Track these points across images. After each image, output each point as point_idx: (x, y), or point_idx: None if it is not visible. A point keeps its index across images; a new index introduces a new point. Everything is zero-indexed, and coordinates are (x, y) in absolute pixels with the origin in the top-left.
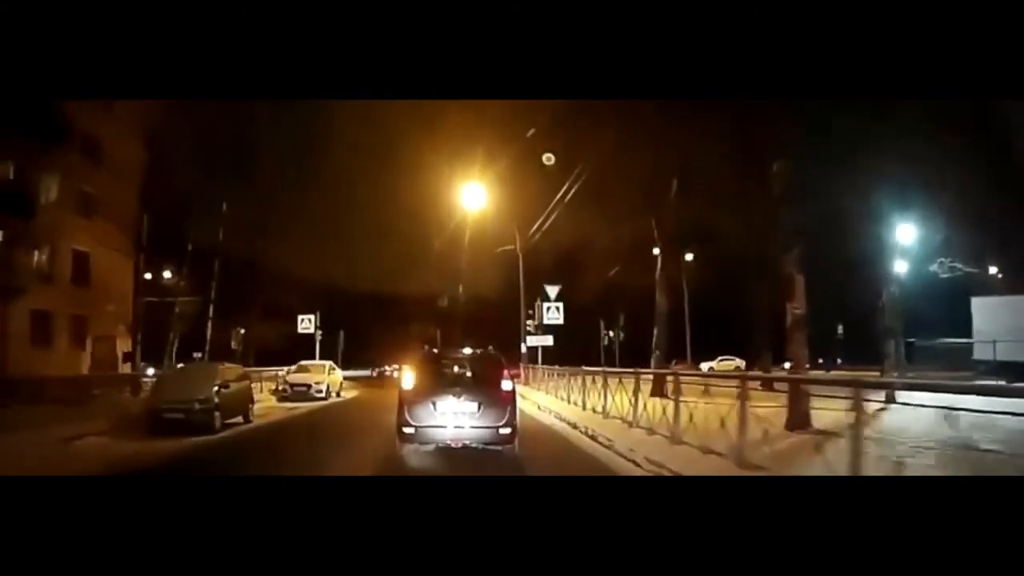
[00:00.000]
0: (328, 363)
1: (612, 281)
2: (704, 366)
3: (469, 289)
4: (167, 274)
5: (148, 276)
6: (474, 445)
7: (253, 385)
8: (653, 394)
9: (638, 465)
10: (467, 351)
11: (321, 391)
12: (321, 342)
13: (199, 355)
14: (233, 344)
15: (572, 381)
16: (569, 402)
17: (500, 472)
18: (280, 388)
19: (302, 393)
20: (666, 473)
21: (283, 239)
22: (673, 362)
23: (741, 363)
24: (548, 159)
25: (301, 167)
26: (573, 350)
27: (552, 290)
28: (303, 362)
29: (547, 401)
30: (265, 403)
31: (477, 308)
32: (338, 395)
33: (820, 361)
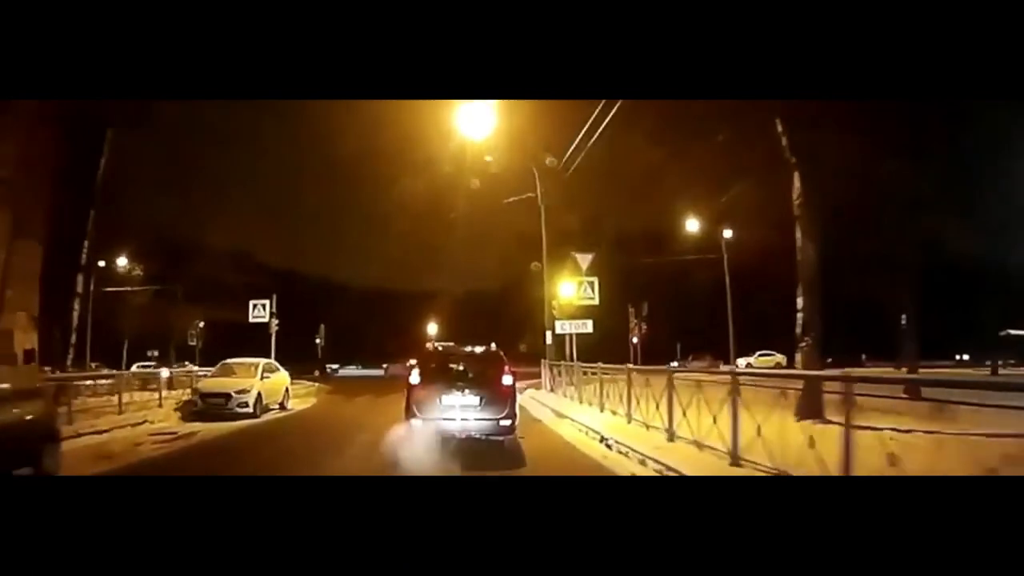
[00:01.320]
0: (263, 361)
1: (635, 257)
2: (740, 362)
3: (470, 273)
4: (122, 261)
5: (102, 264)
6: (477, 435)
7: (166, 394)
8: (801, 415)
9: None
10: (469, 349)
11: (246, 403)
12: (303, 339)
13: (154, 352)
14: (192, 340)
15: (667, 392)
16: (666, 437)
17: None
18: (191, 399)
19: (218, 406)
20: None
21: (250, 222)
22: (690, 357)
23: (782, 359)
24: (550, 161)
25: (267, 137)
26: (589, 343)
27: (584, 260)
28: (228, 360)
29: (618, 430)
30: (162, 423)
31: (478, 297)
32: (282, 407)
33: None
